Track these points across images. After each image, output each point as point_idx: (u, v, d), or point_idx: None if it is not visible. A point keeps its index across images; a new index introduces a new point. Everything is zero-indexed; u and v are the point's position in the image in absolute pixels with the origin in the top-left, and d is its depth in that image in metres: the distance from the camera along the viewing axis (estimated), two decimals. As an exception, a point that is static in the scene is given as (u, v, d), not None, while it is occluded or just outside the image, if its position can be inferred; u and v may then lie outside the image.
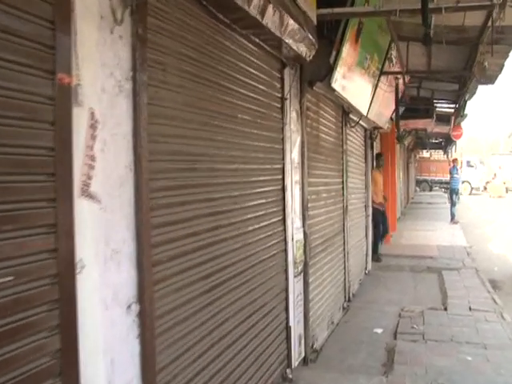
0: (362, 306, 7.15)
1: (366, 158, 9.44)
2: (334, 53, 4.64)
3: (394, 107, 9.85)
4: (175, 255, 2.53)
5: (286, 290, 4.37)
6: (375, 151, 11.07)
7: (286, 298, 4.38)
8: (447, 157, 27.56)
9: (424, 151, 35.48)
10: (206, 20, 2.89)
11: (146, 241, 2.25)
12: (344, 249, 7.00)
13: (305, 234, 4.87)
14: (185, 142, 2.65)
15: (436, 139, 24.19)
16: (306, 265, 4.91)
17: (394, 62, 7.19)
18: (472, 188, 37.19)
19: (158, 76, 2.42)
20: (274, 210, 4.06)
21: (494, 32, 6.19)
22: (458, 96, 10.06)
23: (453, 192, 17.16)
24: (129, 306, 2.18)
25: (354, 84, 5.65)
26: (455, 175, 17.54)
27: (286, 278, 4.37)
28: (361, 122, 8.10)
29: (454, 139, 18.78)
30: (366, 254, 9.38)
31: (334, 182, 6.32)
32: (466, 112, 14.44)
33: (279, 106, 4.26)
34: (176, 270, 2.53)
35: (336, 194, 6.47)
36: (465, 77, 7.94)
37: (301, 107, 4.83)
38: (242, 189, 3.41)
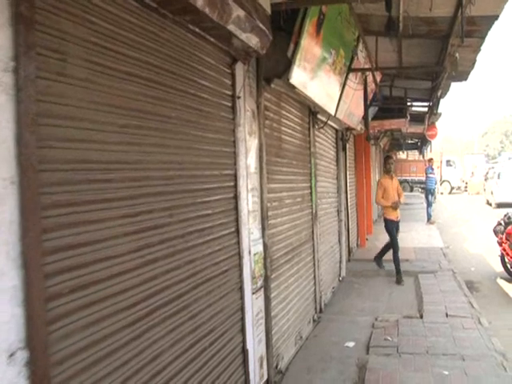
0: (333, 318, 6.75)
1: (337, 161, 9.08)
2: (291, 46, 4.23)
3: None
4: (82, 285, 2.07)
5: (242, 309, 3.93)
6: (349, 153, 10.74)
7: (242, 318, 3.94)
8: (423, 157, 27.50)
9: (400, 152, 35.51)
10: (125, 3, 2.45)
11: (35, 271, 1.80)
12: (314, 257, 6.59)
13: (265, 245, 4.45)
14: (95, 148, 2.20)
15: (412, 140, 24.05)
16: (266, 279, 4.49)
17: (363, 58, 6.81)
18: (452, 187, 37.40)
19: (54, 67, 1.96)
20: (224, 221, 3.62)
21: (465, 23, 5.89)
22: (431, 94, 9.75)
23: (428, 192, 16.95)
24: (12, 354, 1.73)
25: (317, 81, 5.25)
26: (430, 175, 17.33)
27: (242, 296, 3.93)
28: (330, 122, 7.74)
29: (429, 139, 18.61)
30: (340, 261, 9.02)
31: (300, 186, 5.91)
32: (439, 111, 14.21)
33: (229, 104, 3.82)
34: (83, 303, 2.07)
35: (303, 199, 6.06)
36: (437, 73, 7.61)
37: (258, 107, 4.41)
38: (179, 199, 2.96)
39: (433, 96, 9.67)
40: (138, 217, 2.52)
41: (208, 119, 3.42)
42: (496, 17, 5.62)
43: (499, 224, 9.49)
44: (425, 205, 17.53)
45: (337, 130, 8.92)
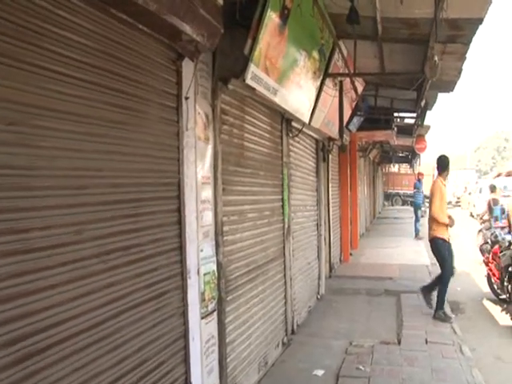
0: (306, 340, 6.27)
1: (318, 172, 8.64)
2: (249, 42, 3.80)
3: (348, 115, 9.15)
4: None
5: (185, 336, 3.45)
6: (332, 164, 10.32)
7: (186, 347, 3.46)
8: (413, 171, 27.20)
9: (392, 165, 35.27)
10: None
11: None
12: (285, 275, 6.12)
13: (219, 263, 3.99)
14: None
15: (402, 153, 23.75)
16: (221, 301, 4.02)
17: (342, 63, 6.40)
18: (444, 202, 37.08)
19: None
20: (161, 236, 3.16)
21: (448, 26, 5.50)
22: (416, 104, 9.37)
23: (417, 207, 16.55)
24: None
25: (285, 85, 4.82)
26: (418, 190, 16.95)
27: (185, 322, 3.45)
28: (307, 131, 7.32)
29: (418, 152, 18.29)
30: (319, 277, 8.54)
31: (268, 199, 5.46)
32: (428, 124, 13.90)
33: (173, 105, 3.38)
34: None
35: (272, 213, 5.60)
36: (421, 82, 7.22)
37: (213, 110, 3.98)
38: (94, 212, 2.50)
39: (417, 106, 9.27)
40: (27, 233, 2.06)
41: (143, 120, 2.98)
42: (480, 20, 5.25)
43: (485, 243, 9.05)
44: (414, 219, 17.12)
45: (317, 140, 8.47)
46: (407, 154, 23.88)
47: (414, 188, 17.40)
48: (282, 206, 6.03)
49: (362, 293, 8.85)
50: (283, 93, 4.83)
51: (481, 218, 14.16)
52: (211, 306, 3.85)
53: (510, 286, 7.61)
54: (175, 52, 3.36)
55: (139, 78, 2.96)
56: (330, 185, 10.00)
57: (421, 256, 12.62)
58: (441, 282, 7.08)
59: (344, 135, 9.77)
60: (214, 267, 3.92)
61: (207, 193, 3.83)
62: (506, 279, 7.71)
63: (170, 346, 3.25)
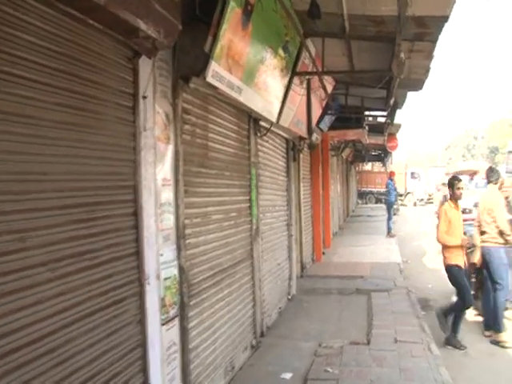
0: (275, 343, 6.18)
1: (288, 172, 8.57)
2: (209, 38, 3.68)
3: (318, 114, 9.11)
4: None
5: (144, 344, 3.33)
6: (303, 164, 10.27)
7: (144, 356, 3.34)
8: (385, 169, 27.44)
9: (366, 163, 35.56)
10: None
11: None
12: (253, 277, 6.02)
13: (181, 268, 3.87)
14: None
15: (375, 151, 23.92)
16: (183, 307, 3.91)
17: (308, 60, 6.32)
18: (416, 199, 37.58)
19: None
20: (116, 241, 3.02)
21: (414, 24, 5.48)
22: (386, 103, 9.38)
23: (389, 205, 16.65)
24: None
25: (250, 83, 4.71)
26: (391, 188, 17.06)
27: (144, 330, 3.33)
28: (277, 130, 7.25)
29: (390, 150, 18.43)
30: (290, 278, 8.47)
31: (234, 200, 5.35)
32: (398, 122, 13.99)
33: (130, 104, 3.25)
34: None
35: (239, 214, 5.50)
36: (389, 80, 7.21)
37: (174, 109, 3.86)
38: (40, 219, 2.36)
39: (387, 105, 9.28)
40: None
41: (94, 121, 2.84)
42: (445, 18, 5.23)
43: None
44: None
45: (287, 139, 8.40)
46: (380, 152, 24.08)
47: (386, 187, 17.50)
48: (250, 207, 5.94)
49: (334, 292, 8.82)
50: (248, 91, 4.73)
51: (436, 212, 14.88)
52: (173, 312, 3.73)
53: (477, 283, 7.66)
54: (131, 49, 3.23)
55: (92, 77, 2.83)
56: (302, 184, 9.95)
57: (393, 254, 12.70)
58: (459, 309, 6.47)
59: (315, 134, 9.77)
60: (176, 271, 3.80)
61: (168, 195, 3.71)
62: (473, 276, 7.77)
63: (127, 355, 3.12)
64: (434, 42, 5.98)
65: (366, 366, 5.23)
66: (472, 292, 7.88)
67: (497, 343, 6.34)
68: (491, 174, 7.26)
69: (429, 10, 5.03)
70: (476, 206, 11.68)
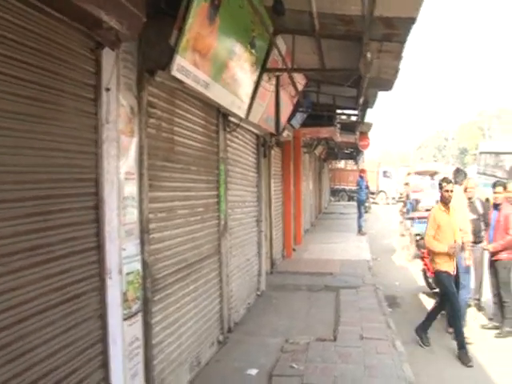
0: (242, 339, 6.18)
1: (258, 168, 8.56)
2: (175, 32, 3.64)
3: (289, 111, 9.13)
4: None
5: (104, 339, 3.28)
6: (274, 160, 10.29)
7: (105, 351, 3.29)
8: (358, 167, 27.71)
9: (339, 161, 35.81)
10: None
11: None
12: (221, 273, 6.00)
13: (144, 262, 3.83)
14: None
15: (347, 149, 24.10)
16: (146, 302, 3.87)
17: (278, 57, 6.32)
18: (388, 198, 38.00)
19: None
20: (75, 235, 2.97)
21: (382, 25, 5.53)
22: (357, 102, 9.46)
23: (359, 203, 16.82)
24: None
25: (217, 77, 4.68)
26: (361, 186, 17.22)
27: (104, 325, 3.28)
28: (247, 126, 7.24)
29: (362, 149, 18.59)
30: (259, 274, 8.48)
31: (201, 195, 5.33)
32: (370, 121, 14.16)
33: (92, 96, 3.19)
34: None
35: (206, 209, 5.47)
36: (359, 79, 7.27)
37: (139, 102, 3.81)
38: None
39: (357, 104, 9.35)
40: None
41: (53, 112, 2.78)
42: (413, 20, 5.29)
43: (422, 238, 9.26)
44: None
45: (258, 136, 8.40)
46: (352, 150, 24.26)
47: (357, 185, 17.67)
48: (218, 202, 5.92)
49: (303, 289, 8.86)
50: (216, 86, 4.70)
51: (400, 211, 15.72)
52: (135, 307, 3.69)
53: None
54: (94, 40, 3.17)
55: (51, 68, 2.78)
56: (273, 180, 9.97)
57: (362, 251, 12.82)
58: (455, 318, 6.14)
59: (286, 131, 9.80)
60: (139, 266, 3.76)
61: (131, 189, 3.67)
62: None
63: (86, 351, 3.08)
64: (402, 43, 6.04)
65: (332, 363, 5.28)
66: (437, 289, 8.06)
67: None
68: (457, 175, 7.42)
69: (396, 11, 5.08)
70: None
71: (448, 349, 6.20)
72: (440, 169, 20.86)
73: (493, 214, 7.11)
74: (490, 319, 7.09)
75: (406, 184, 15.16)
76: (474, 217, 7.27)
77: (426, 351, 6.19)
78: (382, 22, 5.39)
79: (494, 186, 7.12)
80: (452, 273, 6.16)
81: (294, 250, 12.41)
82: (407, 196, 15.41)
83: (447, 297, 6.17)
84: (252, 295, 7.98)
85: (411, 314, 7.85)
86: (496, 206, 7.04)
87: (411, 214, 13.01)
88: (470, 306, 7.48)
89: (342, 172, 37.71)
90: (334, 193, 36.74)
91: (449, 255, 6.10)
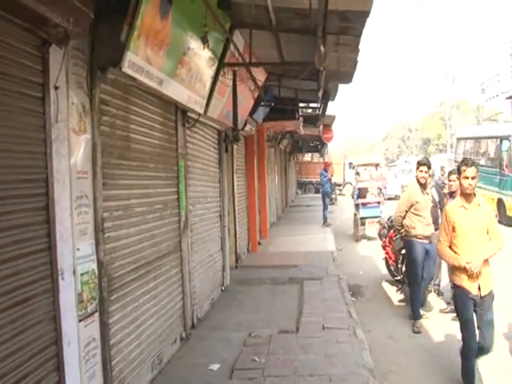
0: (206, 334, 6.19)
1: (220, 163, 8.55)
2: (125, 28, 3.60)
3: (250, 106, 9.14)
4: None
5: (58, 342, 3.24)
6: (237, 155, 10.29)
7: (59, 354, 3.25)
8: (323, 160, 27.97)
9: (305, 154, 36.08)
10: None
11: None
12: (182, 269, 5.98)
13: (100, 262, 3.78)
14: None
15: (312, 142, 24.31)
16: (103, 302, 3.83)
17: (236, 52, 6.30)
18: (378, 193, 38.48)
19: None
20: (24, 237, 2.92)
21: (338, 19, 5.59)
22: (317, 95, 9.52)
23: (324, 195, 17.00)
24: None
25: (172, 73, 4.65)
26: (325, 178, 17.42)
27: (58, 327, 3.24)
28: (207, 122, 7.22)
29: (326, 141, 18.78)
30: (223, 269, 8.49)
31: (160, 192, 5.28)
32: (333, 113, 14.26)
33: (39, 95, 3.13)
34: None
35: (165, 206, 5.44)
36: (317, 72, 7.32)
37: (91, 100, 3.74)
38: None
39: (317, 97, 9.42)
40: None
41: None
42: (366, 13, 5.36)
43: (383, 228, 9.44)
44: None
45: (219, 131, 8.38)
46: (317, 143, 24.48)
47: (321, 177, 17.85)
48: (178, 199, 5.89)
49: (267, 282, 8.89)
50: (171, 82, 4.67)
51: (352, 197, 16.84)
52: (91, 308, 3.64)
53: (403, 268, 8.00)
54: (40, 38, 3.10)
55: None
56: (236, 175, 9.97)
57: (327, 243, 12.98)
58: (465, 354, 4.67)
59: (249, 125, 9.81)
60: (94, 266, 3.71)
61: (84, 188, 3.61)
62: (399, 261, 8.12)
63: (37, 355, 3.03)
64: (358, 36, 6.12)
65: (293, 354, 5.34)
66: (398, 277, 8.27)
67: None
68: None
69: (350, 4, 5.14)
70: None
71: (407, 336, 6.36)
72: (381, 161, 21.54)
73: (449, 202, 7.29)
74: (448, 303, 7.28)
75: (357, 174, 16.02)
76: (431, 205, 7.44)
77: (386, 338, 6.32)
78: (336, 15, 5.44)
79: (450, 174, 7.30)
80: (472, 291, 4.47)
81: (259, 243, 12.47)
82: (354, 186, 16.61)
83: (460, 322, 4.70)
84: (216, 291, 7.98)
85: (374, 302, 8.06)
86: (451, 194, 7.21)
87: (358, 201, 14.72)
88: (430, 291, 7.69)
89: (309, 165, 37.99)
90: (302, 185, 36.99)
91: (469, 274, 4.45)
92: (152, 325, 4.92)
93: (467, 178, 4.53)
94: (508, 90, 28.99)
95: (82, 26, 3.16)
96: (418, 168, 6.88)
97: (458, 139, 22.46)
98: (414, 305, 6.82)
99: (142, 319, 4.69)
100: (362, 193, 14.92)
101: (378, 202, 14.62)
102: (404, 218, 6.93)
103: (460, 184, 4.71)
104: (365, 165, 16.42)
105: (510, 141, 16.20)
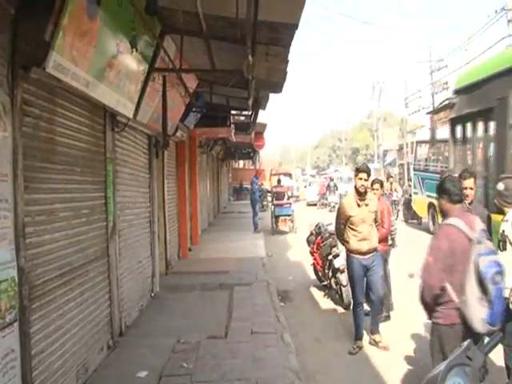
0: (133, 342, 6.08)
1: (150, 169, 8.45)
2: (50, 27, 3.51)
3: (181, 111, 9.11)
4: None
5: (-28, 354, 3.09)
6: (168, 160, 10.20)
7: (-26, 367, 3.10)
8: (255, 167, 28.28)
9: (238, 161, 36.33)
10: None
11: None
12: (109, 275, 5.85)
13: (20, 269, 3.64)
14: None
15: (245, 150, 24.50)
16: (23, 310, 3.68)
17: (167, 57, 6.28)
18: (289, 197, 39.22)
19: None
20: None
21: (267, 29, 5.72)
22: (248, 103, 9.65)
23: (254, 202, 17.18)
24: None
25: (99, 76, 4.56)
26: (255, 185, 17.65)
27: (-28, 338, 3.09)
28: (138, 126, 7.13)
29: (257, 149, 19.02)
30: (152, 275, 8.38)
31: (87, 197, 5.16)
32: (264, 121, 14.47)
33: (-47, 93, 2.99)
34: None
35: (92, 211, 5.31)
36: (247, 81, 7.43)
37: (12, 100, 3.61)
38: None
39: (248, 105, 9.55)
40: None
41: None
42: (295, 26, 5.54)
43: (311, 234, 9.68)
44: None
45: (149, 136, 8.28)
46: (249, 150, 24.70)
47: (251, 184, 18.08)
48: (106, 204, 5.77)
49: (198, 288, 8.86)
50: (98, 85, 4.58)
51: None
52: (10, 317, 3.49)
53: (330, 273, 8.23)
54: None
55: None
56: (166, 181, 9.89)
57: (258, 249, 13.12)
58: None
59: (180, 131, 9.77)
60: (14, 273, 3.56)
61: (4, 191, 3.47)
62: (326, 267, 8.36)
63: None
64: (287, 47, 6.29)
65: (221, 359, 5.36)
66: (325, 282, 8.48)
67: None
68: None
69: (279, 17, 5.29)
70: None
71: (333, 338, 6.55)
72: (292, 171, 24.47)
73: None
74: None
75: (278, 181, 19.90)
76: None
77: (313, 342, 6.48)
78: (266, 26, 5.57)
79: (373, 183, 7.47)
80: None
81: (190, 250, 12.40)
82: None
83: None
84: (145, 297, 7.86)
85: (302, 307, 8.23)
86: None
87: (274, 202, 18.42)
88: (381, 317, 7.57)
89: (245, 171, 38.49)
90: (237, 192, 37.26)
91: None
92: (77, 333, 4.78)
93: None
94: (428, 105, 30.86)
95: (1, 21, 3.06)
96: (356, 175, 6.11)
97: (418, 142, 20.47)
98: (354, 323, 6.27)
99: (67, 327, 4.54)
100: (278, 196, 18.44)
101: (290, 204, 18.40)
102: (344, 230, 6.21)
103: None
104: (279, 174, 19.96)
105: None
